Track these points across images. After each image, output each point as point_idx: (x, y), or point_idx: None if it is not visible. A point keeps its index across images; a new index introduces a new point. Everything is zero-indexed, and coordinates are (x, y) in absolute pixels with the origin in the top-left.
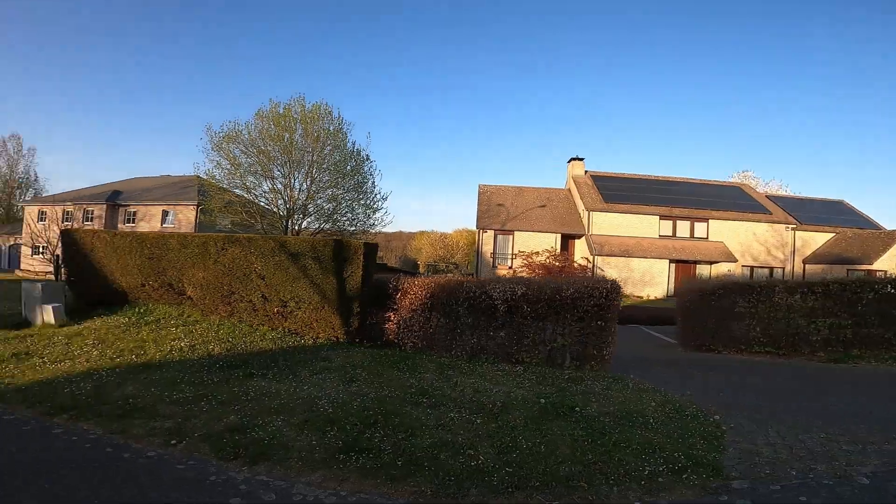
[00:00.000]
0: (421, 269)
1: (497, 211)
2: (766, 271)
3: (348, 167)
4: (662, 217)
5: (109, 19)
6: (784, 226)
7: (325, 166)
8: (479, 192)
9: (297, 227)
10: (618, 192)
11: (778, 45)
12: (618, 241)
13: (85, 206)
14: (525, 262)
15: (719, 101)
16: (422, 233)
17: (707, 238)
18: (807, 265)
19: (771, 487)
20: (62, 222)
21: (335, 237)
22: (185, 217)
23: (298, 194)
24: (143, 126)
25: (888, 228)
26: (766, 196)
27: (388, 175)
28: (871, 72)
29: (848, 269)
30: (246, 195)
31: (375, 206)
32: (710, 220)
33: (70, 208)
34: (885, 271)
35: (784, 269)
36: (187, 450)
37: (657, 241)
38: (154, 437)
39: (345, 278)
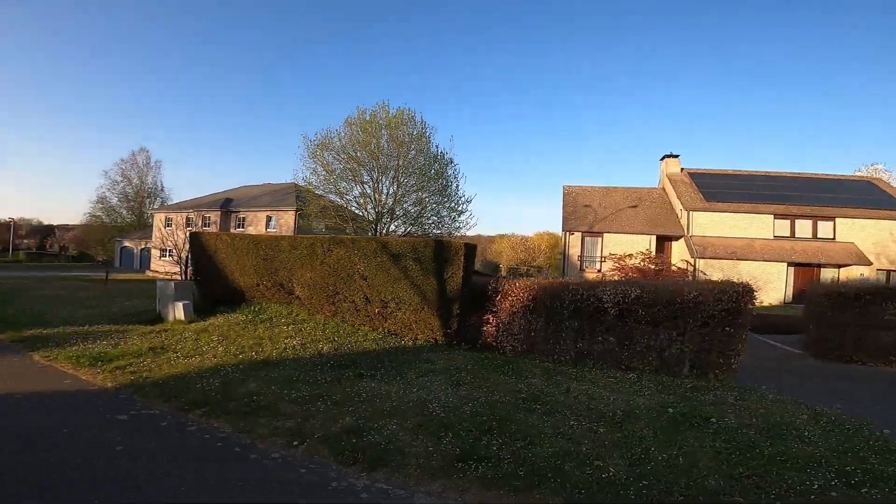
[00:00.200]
0: (502, 273)
1: (584, 212)
2: None
3: (432, 171)
4: (778, 216)
5: (213, 54)
6: None
7: (410, 170)
8: (563, 193)
9: (384, 231)
10: (721, 189)
11: None
12: (723, 243)
13: (203, 212)
14: (616, 264)
15: (838, 89)
16: (501, 236)
17: (834, 239)
18: None
19: None
20: (185, 227)
21: (435, 238)
22: (285, 222)
23: (386, 198)
24: (251, 138)
25: None
26: None
27: (466, 178)
28: None
29: None
30: (339, 200)
31: (460, 208)
32: (836, 219)
33: (191, 215)
34: None
35: None
36: (308, 452)
37: (772, 243)
38: (277, 438)
39: (445, 279)
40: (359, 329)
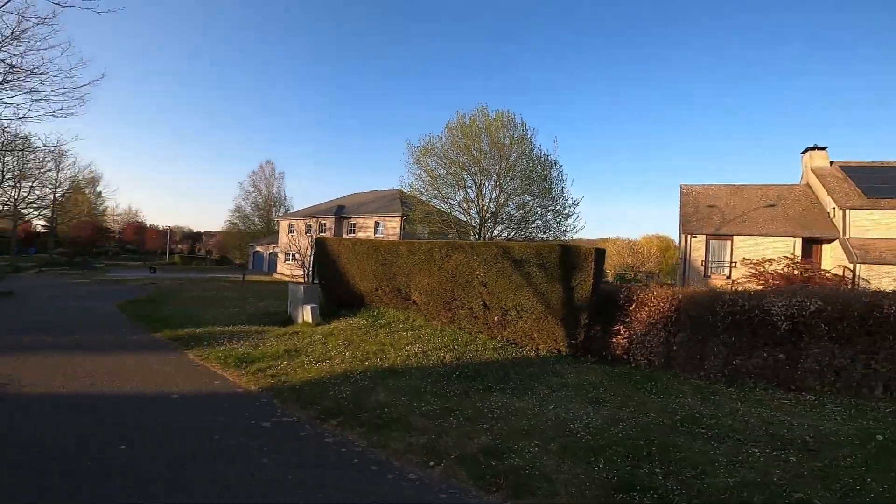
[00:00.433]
0: (609, 278)
1: (707, 213)
2: None
3: (535, 173)
4: None
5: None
6: None
7: (512, 173)
8: (681, 193)
9: (488, 236)
10: (883, 184)
11: None
12: (890, 246)
13: (319, 219)
14: (753, 270)
15: None
16: (604, 240)
17: None
18: None
19: None
20: (305, 233)
21: (562, 243)
22: (391, 227)
23: (489, 202)
24: (363, 146)
25: None
26: None
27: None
28: None
29: None
30: (442, 205)
31: (566, 211)
32: None
33: (310, 221)
34: None
35: None
36: (445, 474)
37: None
38: (412, 455)
39: (572, 287)
40: (477, 337)
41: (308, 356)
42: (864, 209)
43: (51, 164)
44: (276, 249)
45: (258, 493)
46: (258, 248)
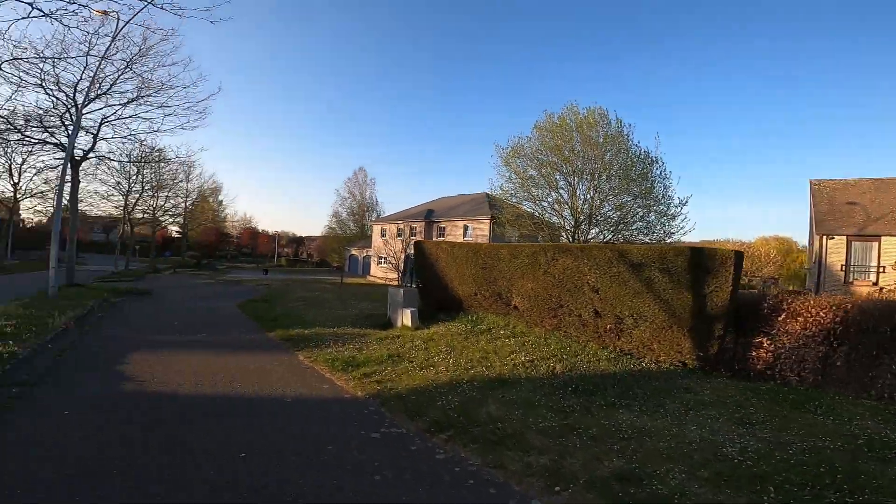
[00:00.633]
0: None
1: (847, 211)
2: None
3: (633, 172)
4: None
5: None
6: None
7: (608, 173)
8: (812, 190)
9: (582, 238)
10: None
11: None
12: None
13: (410, 223)
14: None
15: None
16: (712, 242)
17: None
18: None
19: None
20: (396, 237)
21: (691, 246)
22: (480, 231)
23: (583, 204)
24: (447, 149)
25: None
26: None
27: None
28: None
29: None
30: (534, 207)
31: (671, 212)
32: None
33: (401, 225)
34: None
35: None
36: (574, 501)
37: None
38: (532, 478)
39: (705, 294)
40: (586, 346)
41: (411, 362)
42: None
43: (181, 175)
44: (370, 253)
45: None
46: (353, 252)
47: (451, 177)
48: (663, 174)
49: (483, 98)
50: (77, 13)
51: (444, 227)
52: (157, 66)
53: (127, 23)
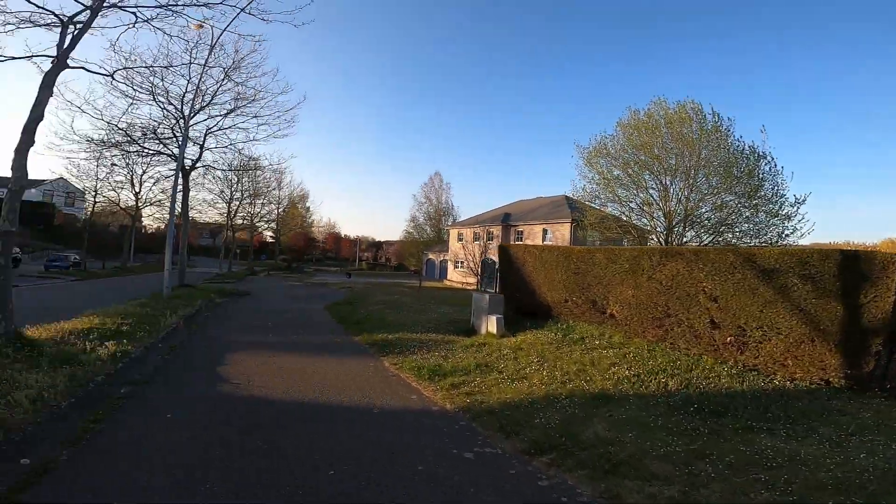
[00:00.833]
0: None
1: None
2: None
3: (736, 170)
4: None
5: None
6: None
7: (708, 170)
8: None
9: (677, 242)
10: None
11: None
12: None
13: (487, 227)
14: None
15: None
16: (828, 244)
17: None
18: None
19: None
20: (473, 241)
21: (842, 249)
22: (560, 234)
23: (677, 205)
24: (526, 152)
25: None
26: None
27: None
28: None
29: None
30: (620, 208)
31: (784, 211)
32: None
33: (477, 230)
34: None
35: None
36: None
37: None
38: None
39: (860, 304)
40: (700, 360)
41: (500, 373)
42: None
43: (273, 183)
44: (447, 257)
45: None
46: (430, 256)
47: (527, 180)
48: (773, 170)
49: (555, 99)
50: (174, 23)
51: (521, 231)
52: (250, 77)
53: (224, 31)
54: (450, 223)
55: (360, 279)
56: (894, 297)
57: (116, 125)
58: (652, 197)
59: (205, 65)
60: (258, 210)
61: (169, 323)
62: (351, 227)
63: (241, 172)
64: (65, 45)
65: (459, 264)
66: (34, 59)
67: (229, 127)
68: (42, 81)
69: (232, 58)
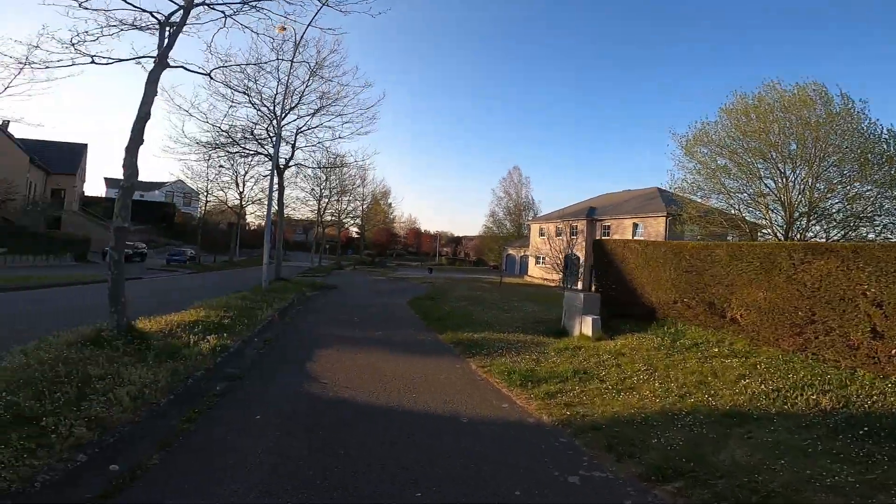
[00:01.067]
0: None
1: None
2: None
3: (874, 155)
4: None
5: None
6: None
7: (839, 157)
8: None
9: (798, 238)
10: None
11: None
12: None
13: (570, 221)
14: None
15: None
16: None
17: None
18: None
19: None
20: (556, 236)
21: None
22: (653, 229)
23: (798, 195)
24: (608, 145)
25: None
26: None
27: None
28: None
29: None
30: (728, 200)
31: None
32: None
33: (560, 224)
34: None
35: None
36: None
37: None
38: None
39: None
40: (854, 374)
41: (603, 381)
42: None
43: (358, 180)
44: (527, 252)
45: None
46: (510, 251)
47: (607, 175)
48: None
49: (640, 91)
50: (259, 21)
51: (608, 226)
52: (332, 77)
53: (308, 25)
54: (530, 218)
55: (441, 274)
56: None
57: (219, 127)
58: (767, 187)
59: (292, 60)
60: (345, 206)
61: (265, 316)
62: (430, 223)
63: (328, 170)
64: (164, 45)
65: (541, 260)
66: (141, 60)
67: (317, 126)
68: (147, 79)
69: (315, 58)
